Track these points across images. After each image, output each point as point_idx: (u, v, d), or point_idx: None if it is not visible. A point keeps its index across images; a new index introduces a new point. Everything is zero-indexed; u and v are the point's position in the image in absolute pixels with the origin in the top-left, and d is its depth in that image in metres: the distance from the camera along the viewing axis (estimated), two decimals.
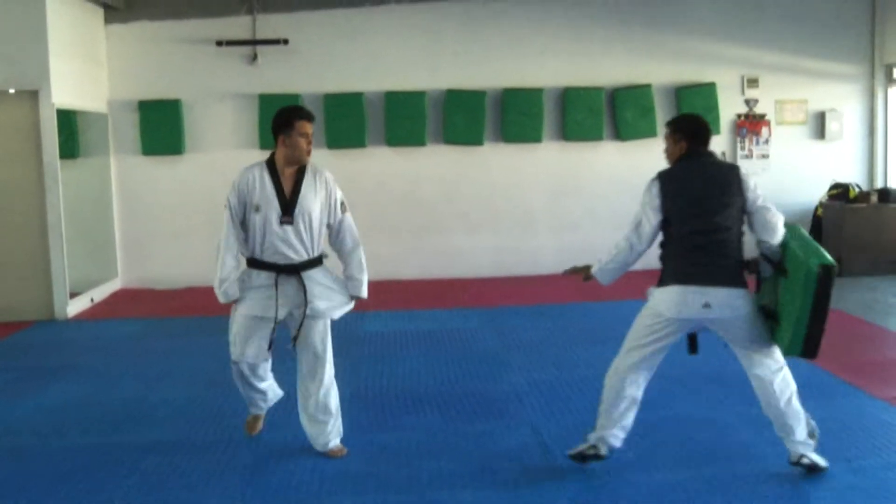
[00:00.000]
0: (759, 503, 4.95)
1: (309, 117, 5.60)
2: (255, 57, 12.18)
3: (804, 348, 4.91)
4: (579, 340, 8.71)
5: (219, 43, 12.05)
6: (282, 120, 5.56)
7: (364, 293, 5.80)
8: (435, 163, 12.50)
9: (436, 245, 12.62)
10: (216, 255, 5.59)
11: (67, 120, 10.78)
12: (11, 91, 10.19)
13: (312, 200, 5.56)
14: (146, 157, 12.20)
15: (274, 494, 5.15)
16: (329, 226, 5.69)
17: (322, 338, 5.66)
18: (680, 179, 5.16)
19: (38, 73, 10.08)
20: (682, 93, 12.60)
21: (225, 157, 11.88)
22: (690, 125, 5.30)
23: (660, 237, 5.24)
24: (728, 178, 5.13)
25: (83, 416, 6.77)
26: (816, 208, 12.56)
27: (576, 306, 10.32)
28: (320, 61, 12.28)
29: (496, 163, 12.58)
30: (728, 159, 12.71)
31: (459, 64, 12.41)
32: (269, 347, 5.67)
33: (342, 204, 5.70)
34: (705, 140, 5.27)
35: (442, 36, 12.45)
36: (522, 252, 12.64)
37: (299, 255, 5.54)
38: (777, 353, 5.14)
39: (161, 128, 12.09)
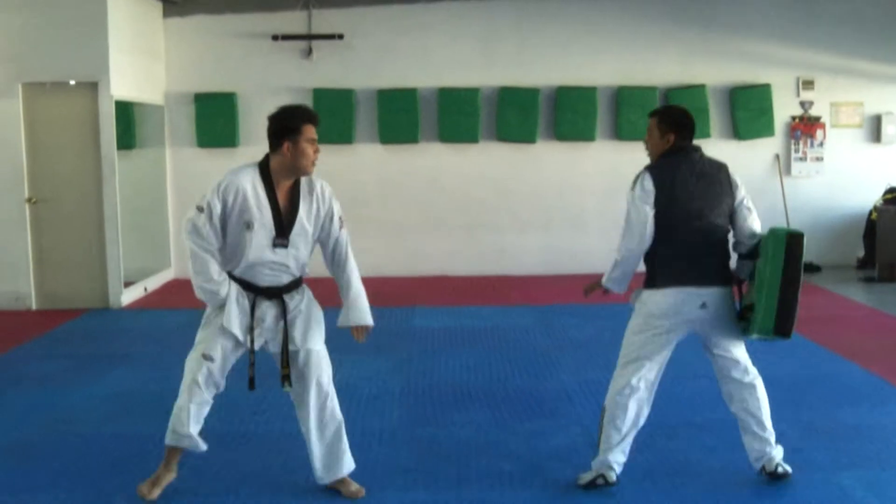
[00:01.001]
0: None
1: (317, 121, 4.78)
2: (310, 51, 12.26)
3: (777, 322, 4.69)
4: None
5: (275, 37, 12.17)
6: (289, 123, 4.72)
7: (371, 320, 4.99)
8: (487, 160, 12.51)
9: (486, 242, 12.64)
10: (190, 259, 4.72)
11: (125, 112, 10.94)
12: (72, 83, 10.37)
13: (309, 219, 4.80)
14: (201, 150, 12.35)
15: (324, 488, 5.14)
16: (321, 242, 4.92)
17: (327, 371, 4.98)
18: (672, 175, 4.88)
19: (98, 65, 10.24)
20: (736, 94, 12.52)
21: None
22: (678, 117, 5.03)
23: None
24: (719, 177, 4.96)
25: (137, 404, 6.88)
26: (871, 212, 12.39)
27: (625, 306, 10.18)
28: (375, 57, 12.35)
29: (549, 161, 12.57)
30: (781, 162, 12.66)
31: (513, 61, 12.42)
32: (251, 386, 4.95)
33: (340, 219, 4.92)
34: (692, 134, 5.03)
35: (496, 33, 12.45)
36: (573, 251, 12.60)
37: (287, 276, 4.85)
38: (749, 362, 5.04)
39: (216, 121, 12.25)
